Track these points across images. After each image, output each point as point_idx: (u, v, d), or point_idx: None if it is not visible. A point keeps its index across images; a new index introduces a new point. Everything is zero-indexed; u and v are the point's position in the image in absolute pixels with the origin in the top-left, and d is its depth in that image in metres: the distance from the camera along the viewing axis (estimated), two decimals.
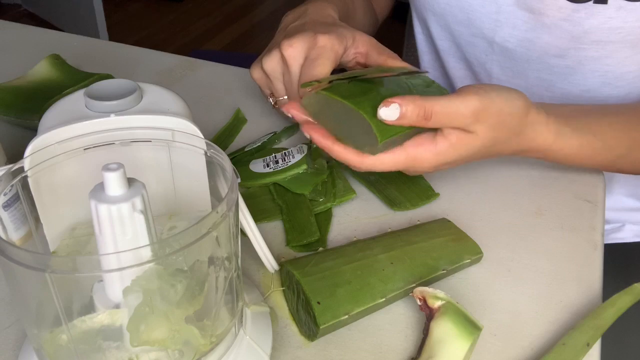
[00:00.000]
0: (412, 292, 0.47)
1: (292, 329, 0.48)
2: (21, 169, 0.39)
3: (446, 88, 0.55)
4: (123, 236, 0.35)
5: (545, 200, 0.62)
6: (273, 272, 0.50)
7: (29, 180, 0.40)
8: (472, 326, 0.44)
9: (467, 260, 0.53)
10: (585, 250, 0.56)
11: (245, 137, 0.70)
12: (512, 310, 0.50)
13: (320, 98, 0.51)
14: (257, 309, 0.47)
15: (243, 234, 0.45)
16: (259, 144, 0.67)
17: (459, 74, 0.79)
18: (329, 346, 0.47)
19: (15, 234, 0.50)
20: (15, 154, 0.57)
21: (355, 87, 0.51)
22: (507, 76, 0.73)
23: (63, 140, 0.41)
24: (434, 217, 0.58)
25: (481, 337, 0.46)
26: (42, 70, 0.76)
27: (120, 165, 0.34)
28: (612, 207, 0.78)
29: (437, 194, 0.61)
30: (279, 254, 0.54)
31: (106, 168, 0.34)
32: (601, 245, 0.57)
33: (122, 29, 2.80)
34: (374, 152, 0.50)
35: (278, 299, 0.50)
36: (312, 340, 0.47)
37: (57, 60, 0.78)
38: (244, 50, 2.67)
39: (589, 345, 0.46)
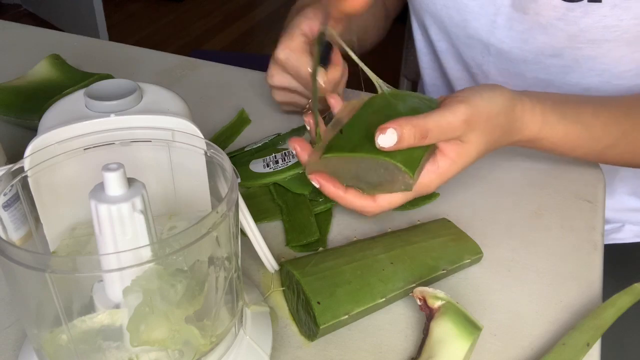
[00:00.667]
0: (412, 292, 0.47)
1: (292, 329, 0.48)
2: (21, 169, 0.39)
3: (442, 91, 0.55)
4: (123, 236, 0.35)
5: (545, 200, 0.62)
6: (273, 272, 0.50)
7: (29, 180, 0.40)
8: (472, 326, 0.44)
9: (467, 260, 0.53)
10: (585, 250, 0.56)
11: (247, 137, 0.70)
12: (512, 310, 0.50)
13: (327, 161, 0.50)
14: (257, 309, 0.47)
15: (243, 234, 0.45)
16: (260, 144, 0.67)
17: (457, 75, 0.79)
18: (329, 346, 0.47)
19: (15, 234, 0.50)
20: (15, 154, 0.57)
21: (352, 132, 0.50)
22: (504, 77, 0.73)
23: (63, 140, 0.41)
24: (434, 217, 0.58)
25: (481, 337, 0.46)
26: (42, 70, 0.76)
27: (120, 165, 0.34)
28: (613, 207, 0.78)
29: (437, 194, 0.61)
30: (279, 254, 0.54)
31: (106, 168, 0.34)
32: (601, 245, 0.57)
33: (122, 29, 2.80)
34: (410, 188, 0.49)
35: (278, 299, 0.50)
36: (312, 340, 0.47)
37: (57, 60, 0.78)
38: (244, 50, 2.67)
39: (589, 345, 0.46)
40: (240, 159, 0.65)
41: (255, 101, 0.76)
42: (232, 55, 2.32)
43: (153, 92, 0.48)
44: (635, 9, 0.60)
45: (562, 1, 0.62)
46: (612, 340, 0.57)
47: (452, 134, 0.49)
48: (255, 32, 2.87)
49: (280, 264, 0.50)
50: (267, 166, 0.63)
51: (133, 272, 0.33)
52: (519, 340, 0.48)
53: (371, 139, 0.47)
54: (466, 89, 0.53)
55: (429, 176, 0.50)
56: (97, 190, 0.35)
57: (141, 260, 0.33)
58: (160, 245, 0.33)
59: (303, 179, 0.61)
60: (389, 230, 0.55)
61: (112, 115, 0.44)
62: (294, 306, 0.48)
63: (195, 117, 0.47)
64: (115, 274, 0.35)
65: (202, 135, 0.43)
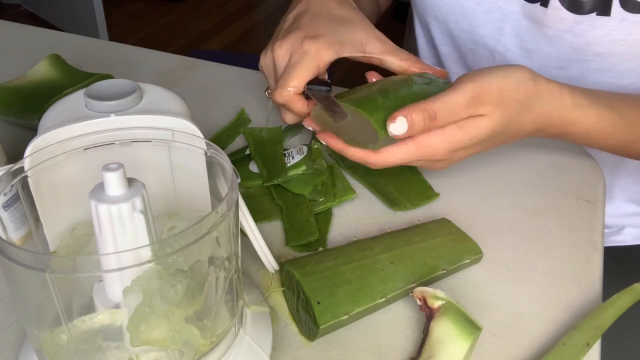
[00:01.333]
0: (412, 292, 0.47)
1: (292, 329, 0.48)
2: (21, 169, 0.39)
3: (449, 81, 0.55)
4: (123, 236, 0.35)
5: (545, 200, 0.62)
6: (273, 272, 0.51)
7: (29, 180, 0.40)
8: (472, 326, 0.44)
9: (467, 260, 0.53)
10: (585, 250, 0.56)
11: None
12: (512, 310, 0.50)
13: (323, 115, 0.53)
14: (257, 309, 0.47)
15: (243, 234, 0.45)
16: None
17: None
18: (329, 346, 0.47)
19: (15, 234, 0.50)
20: (15, 154, 0.57)
21: (361, 92, 0.52)
22: None
23: (63, 140, 0.41)
24: (434, 217, 0.58)
25: (481, 337, 0.46)
26: (42, 70, 0.76)
27: (120, 165, 0.34)
28: (612, 213, 0.78)
29: (437, 194, 0.61)
30: (279, 254, 0.54)
31: (106, 168, 0.34)
32: (601, 245, 0.57)
33: (122, 29, 2.80)
34: (376, 148, 0.50)
35: (278, 299, 0.50)
36: (312, 340, 0.47)
37: (57, 60, 0.78)
38: (244, 50, 2.67)
39: (589, 345, 0.46)
40: (240, 159, 0.65)
41: (255, 101, 0.76)
42: (232, 55, 2.31)
43: (153, 92, 0.48)
44: None
45: (571, 13, 0.61)
46: (612, 340, 0.57)
47: (463, 112, 0.49)
48: (255, 32, 2.87)
49: (280, 264, 0.50)
50: None
51: (133, 272, 0.33)
52: (519, 340, 0.48)
53: (373, 100, 0.48)
54: (484, 67, 0.53)
55: (434, 138, 0.50)
56: (97, 190, 0.35)
57: (141, 260, 0.33)
58: (160, 245, 0.33)
59: (303, 179, 0.61)
60: (389, 230, 0.55)
61: (112, 115, 0.44)
62: (294, 306, 0.48)
63: (195, 117, 0.47)
64: (115, 274, 0.35)
65: (202, 135, 0.43)
